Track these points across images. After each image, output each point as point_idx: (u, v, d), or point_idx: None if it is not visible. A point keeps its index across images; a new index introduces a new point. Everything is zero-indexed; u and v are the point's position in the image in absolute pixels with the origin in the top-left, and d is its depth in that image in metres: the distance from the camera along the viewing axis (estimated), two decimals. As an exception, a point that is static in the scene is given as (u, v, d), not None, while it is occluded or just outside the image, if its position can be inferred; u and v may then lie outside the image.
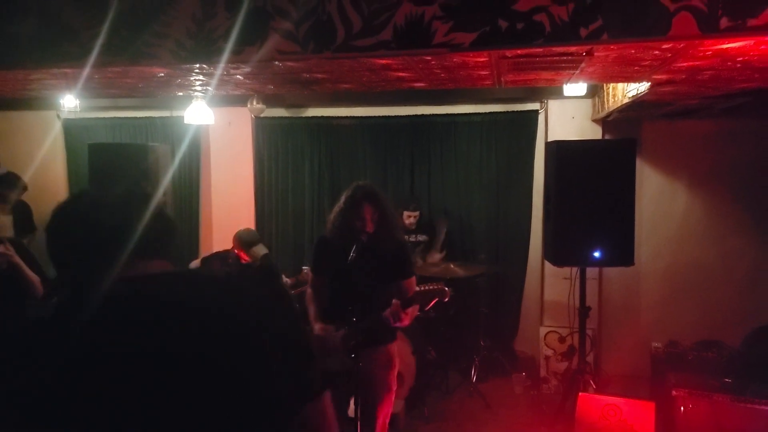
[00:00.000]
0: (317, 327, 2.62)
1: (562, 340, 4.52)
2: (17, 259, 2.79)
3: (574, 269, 3.44)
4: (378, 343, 2.58)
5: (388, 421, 2.71)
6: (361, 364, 2.43)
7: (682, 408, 2.96)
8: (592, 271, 3.98)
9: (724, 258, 4.49)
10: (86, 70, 2.40)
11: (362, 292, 2.53)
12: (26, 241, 4.68)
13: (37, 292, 2.81)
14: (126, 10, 2.03)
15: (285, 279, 4.07)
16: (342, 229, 2.59)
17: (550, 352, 4.54)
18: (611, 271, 4.50)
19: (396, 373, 2.68)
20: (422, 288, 2.49)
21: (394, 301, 2.41)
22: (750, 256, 4.46)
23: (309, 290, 2.78)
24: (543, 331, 4.60)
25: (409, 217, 4.52)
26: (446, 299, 2.43)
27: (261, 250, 4.06)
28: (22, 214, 4.80)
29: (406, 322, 2.47)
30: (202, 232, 5.38)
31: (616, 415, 2.94)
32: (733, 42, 1.77)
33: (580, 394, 3.07)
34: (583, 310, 3.31)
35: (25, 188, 4.74)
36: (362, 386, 2.48)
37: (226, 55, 1.97)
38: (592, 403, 3.00)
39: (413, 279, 2.64)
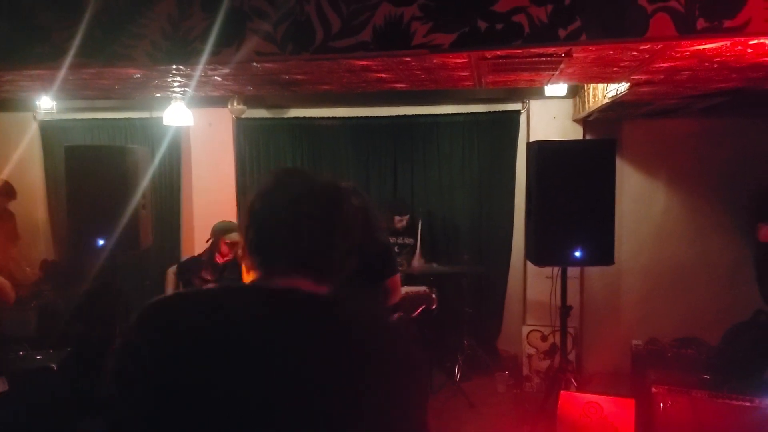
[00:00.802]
0: None
1: (544, 338, 4.55)
2: None
3: (556, 268, 3.46)
4: None
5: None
6: None
7: (661, 404, 2.99)
8: (573, 270, 4.01)
9: (703, 256, 4.56)
10: (60, 72, 2.35)
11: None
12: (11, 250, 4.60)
13: (7, 297, 2.73)
14: (100, 11, 1.98)
15: None
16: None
17: (532, 351, 4.57)
18: (592, 270, 4.54)
19: None
20: (409, 294, 2.48)
21: None
22: (728, 255, 4.54)
23: None
24: (526, 329, 4.63)
25: (400, 221, 4.58)
26: (433, 306, 2.41)
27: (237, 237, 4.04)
28: (6, 224, 4.69)
29: None
30: (183, 235, 5.31)
31: (597, 413, 2.96)
32: (709, 43, 1.79)
33: (561, 392, 3.10)
34: (565, 309, 3.34)
35: (12, 195, 4.63)
36: None
37: (203, 57, 1.94)
38: (573, 401, 3.02)
39: (397, 277, 2.64)
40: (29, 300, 4.41)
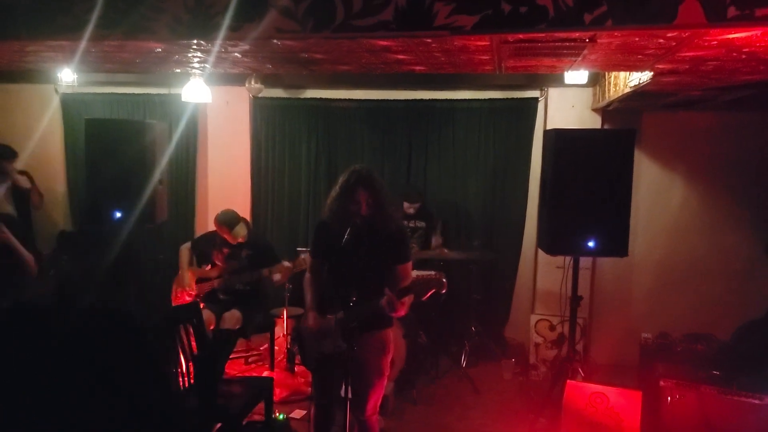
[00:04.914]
0: (311, 315, 2.62)
1: (552, 328, 4.55)
2: (11, 239, 2.76)
3: (568, 258, 3.45)
4: (374, 329, 2.57)
5: (379, 403, 2.73)
6: (355, 348, 2.43)
7: (669, 398, 2.99)
8: (585, 261, 3.99)
9: (718, 252, 4.51)
10: (82, 43, 2.36)
11: (358, 275, 2.53)
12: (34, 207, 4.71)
13: (30, 269, 2.79)
14: (122, -18, 1.99)
15: (285, 263, 4.08)
16: (338, 213, 2.58)
17: (540, 340, 4.58)
18: (604, 262, 4.51)
19: (390, 359, 2.69)
20: (419, 277, 2.48)
21: (386, 291, 2.39)
22: (743, 252, 4.48)
23: (307, 275, 2.78)
24: (534, 318, 4.63)
25: (410, 208, 4.57)
26: (443, 291, 2.40)
27: (242, 230, 4.11)
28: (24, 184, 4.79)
29: (403, 312, 2.47)
30: (197, 211, 5.36)
31: (603, 403, 2.97)
32: (739, 32, 1.75)
33: (568, 381, 3.10)
34: (575, 299, 3.33)
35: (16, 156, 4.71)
36: (355, 370, 2.49)
37: (223, 32, 1.94)
38: (579, 390, 3.02)
39: (408, 265, 2.63)
40: (47, 269, 4.50)
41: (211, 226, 4.39)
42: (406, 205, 4.54)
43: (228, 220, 4.10)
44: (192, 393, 2.82)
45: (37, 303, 0.98)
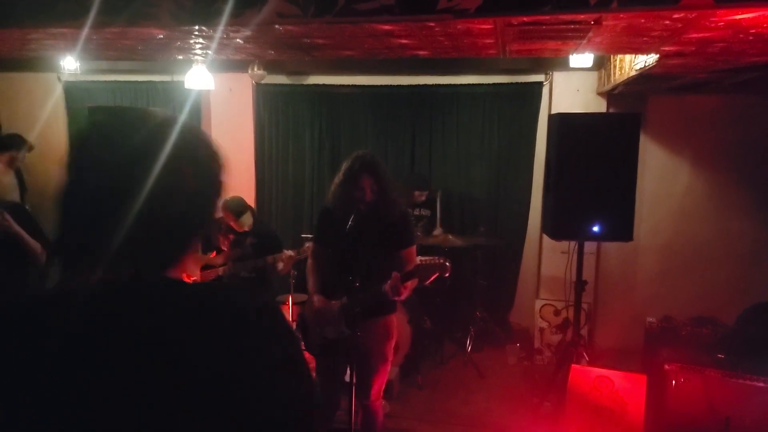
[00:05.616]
0: (315, 299, 2.64)
1: (557, 313, 4.56)
2: (16, 228, 2.74)
3: (572, 243, 3.44)
4: (377, 315, 2.59)
5: (383, 388, 2.75)
6: (360, 334, 2.45)
7: (673, 382, 3.00)
8: (589, 246, 3.98)
9: (723, 237, 4.49)
10: (84, 31, 2.36)
11: (362, 261, 2.53)
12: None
13: (38, 260, 2.79)
14: (123, -32, 1.97)
15: (288, 252, 4.10)
16: (342, 199, 2.58)
17: (544, 325, 4.59)
18: (609, 246, 4.51)
19: (393, 344, 2.70)
20: (423, 262, 2.48)
21: (393, 274, 2.40)
22: (749, 236, 4.46)
23: (310, 261, 2.79)
24: (539, 303, 4.64)
25: (421, 196, 4.61)
26: (447, 274, 2.41)
27: (248, 219, 4.12)
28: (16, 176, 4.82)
29: (405, 295, 2.48)
30: (202, 198, 5.38)
31: (607, 387, 2.98)
32: (747, 12, 1.72)
33: (572, 365, 3.11)
34: (580, 284, 3.33)
35: (31, 148, 4.74)
36: (360, 356, 2.51)
37: (225, 18, 1.93)
38: (584, 374, 3.04)
39: (413, 249, 2.63)
40: (55, 258, 4.54)
41: (217, 213, 4.40)
42: (417, 193, 4.58)
43: (236, 207, 4.10)
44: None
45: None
